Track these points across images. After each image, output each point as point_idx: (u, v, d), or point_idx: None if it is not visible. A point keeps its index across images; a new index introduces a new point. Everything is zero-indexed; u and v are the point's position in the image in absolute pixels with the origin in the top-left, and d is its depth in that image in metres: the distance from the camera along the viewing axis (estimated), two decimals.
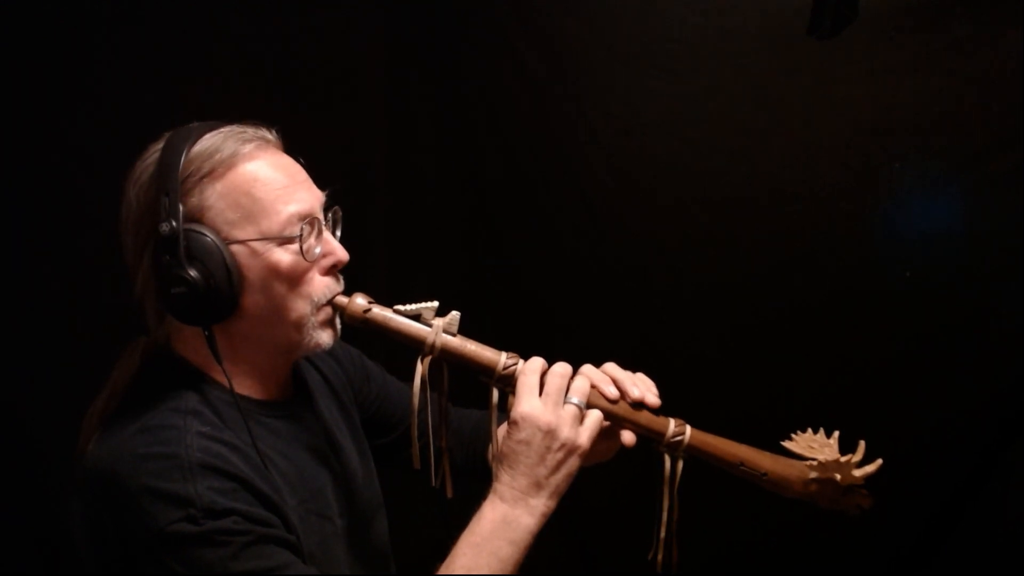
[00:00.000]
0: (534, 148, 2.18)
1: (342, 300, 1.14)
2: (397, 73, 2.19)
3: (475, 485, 1.24)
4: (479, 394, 1.23)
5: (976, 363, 1.88)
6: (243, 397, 1.11)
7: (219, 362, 1.06)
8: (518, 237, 2.25)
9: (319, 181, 1.15)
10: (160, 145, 1.08)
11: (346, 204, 1.18)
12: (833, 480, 1.16)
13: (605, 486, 1.15)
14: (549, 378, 1.12)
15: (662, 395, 1.21)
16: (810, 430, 1.22)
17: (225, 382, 1.08)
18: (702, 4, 1.93)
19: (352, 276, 1.19)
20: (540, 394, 1.11)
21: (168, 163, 1.04)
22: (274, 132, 1.14)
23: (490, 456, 1.39)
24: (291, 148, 1.16)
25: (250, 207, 1.06)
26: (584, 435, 1.10)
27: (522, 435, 1.08)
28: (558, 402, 1.10)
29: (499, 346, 1.19)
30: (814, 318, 1.99)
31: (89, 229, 1.71)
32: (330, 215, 1.15)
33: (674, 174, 2.06)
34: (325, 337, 1.14)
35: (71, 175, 1.80)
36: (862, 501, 1.18)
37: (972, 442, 1.91)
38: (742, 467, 1.18)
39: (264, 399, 1.16)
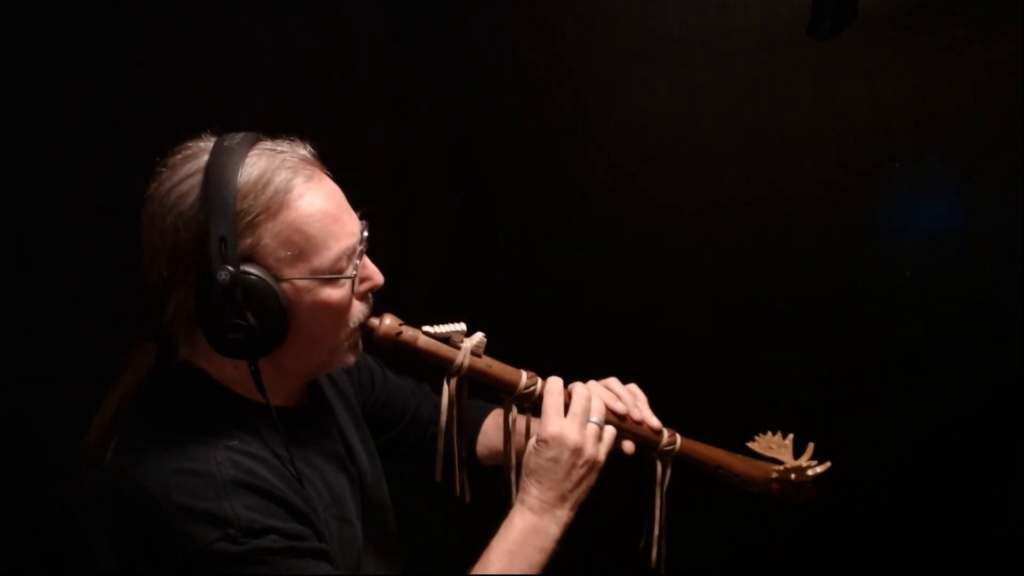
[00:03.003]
0: (534, 148, 2.18)
1: (374, 322, 1.15)
2: (397, 73, 2.19)
3: (475, 489, 1.30)
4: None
5: (976, 363, 1.88)
6: (263, 405, 1.09)
7: (262, 392, 1.06)
8: (517, 236, 2.25)
9: None
10: (196, 165, 1.02)
11: (370, 213, 1.16)
12: (789, 479, 1.35)
13: (596, 488, 1.21)
14: (574, 400, 1.20)
15: (662, 395, 1.31)
16: (770, 432, 1.40)
17: (246, 395, 1.09)
18: (702, 4, 1.93)
19: None
20: (564, 413, 1.18)
21: (219, 200, 0.98)
22: (309, 147, 1.11)
23: (483, 456, 1.46)
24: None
25: (303, 245, 1.03)
26: (603, 451, 1.20)
27: (551, 453, 1.15)
28: (583, 422, 1.18)
29: (498, 346, 1.23)
30: (814, 318, 1.99)
31: (92, 228, 1.72)
32: (364, 234, 1.12)
33: (674, 174, 2.06)
34: (351, 358, 1.16)
35: (72, 174, 1.80)
36: (807, 494, 1.36)
37: (972, 442, 1.91)
38: (720, 470, 1.34)
39: (283, 407, 1.15)
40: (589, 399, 1.20)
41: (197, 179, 1.01)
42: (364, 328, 1.15)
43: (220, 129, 1.08)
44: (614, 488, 1.28)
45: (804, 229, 1.97)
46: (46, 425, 1.79)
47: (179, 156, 1.05)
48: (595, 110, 2.08)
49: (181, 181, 1.02)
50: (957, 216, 1.87)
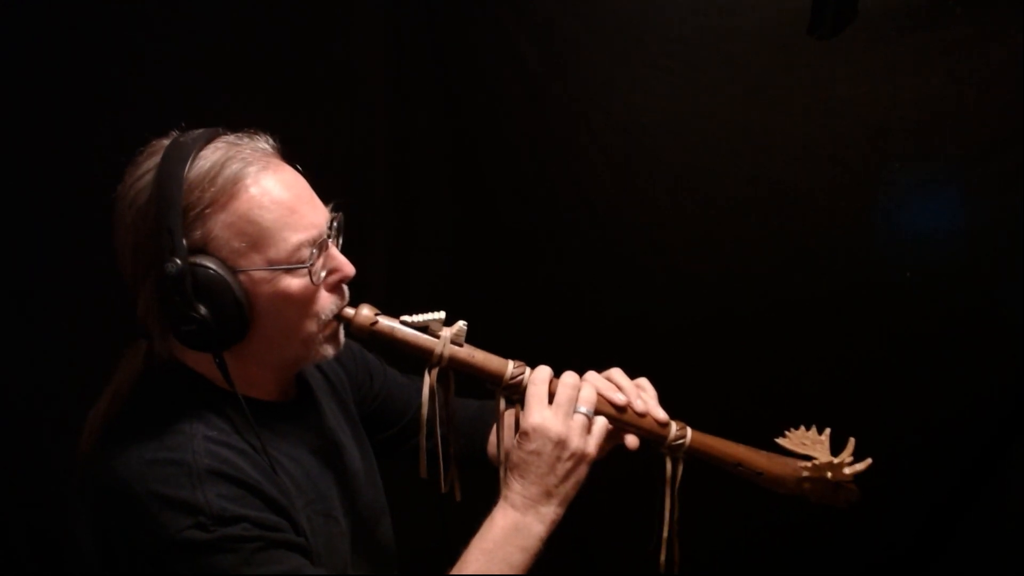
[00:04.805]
0: (534, 148, 2.18)
1: (348, 312, 1.14)
2: (397, 73, 2.19)
3: (476, 488, 1.26)
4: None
5: (976, 363, 1.88)
6: (248, 399, 1.09)
7: (231, 385, 1.05)
8: (518, 235, 2.25)
9: (318, 185, 1.12)
10: (153, 162, 1.03)
11: (345, 205, 1.16)
12: (824, 478, 1.22)
13: (603, 485, 1.17)
14: (560, 389, 1.14)
15: (664, 393, 1.24)
16: (803, 427, 1.27)
17: (225, 387, 1.07)
18: (702, 4, 1.94)
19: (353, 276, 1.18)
20: (550, 403, 1.13)
21: (167, 194, 0.99)
22: (270, 140, 1.10)
23: (494, 456, 1.41)
24: (290, 150, 1.12)
25: (256, 236, 1.03)
26: (592, 443, 1.14)
27: (533, 446, 1.11)
28: (568, 413, 1.13)
29: (497, 345, 1.20)
30: (814, 317, 1.99)
31: (90, 228, 1.72)
32: (334, 225, 1.12)
33: (674, 174, 2.06)
34: (330, 350, 1.14)
35: (73, 174, 1.80)
36: (850, 496, 1.24)
37: (972, 442, 1.91)
38: (739, 467, 1.24)
39: (268, 400, 1.15)
40: (577, 388, 1.14)
41: (152, 175, 1.02)
42: (342, 320, 1.14)
43: (204, 127, 1.08)
44: (623, 485, 1.25)
45: (804, 229, 1.97)
46: (46, 425, 1.79)
47: (142, 155, 1.06)
48: (595, 110, 2.08)
49: (139, 178, 1.03)
50: (957, 216, 1.87)
